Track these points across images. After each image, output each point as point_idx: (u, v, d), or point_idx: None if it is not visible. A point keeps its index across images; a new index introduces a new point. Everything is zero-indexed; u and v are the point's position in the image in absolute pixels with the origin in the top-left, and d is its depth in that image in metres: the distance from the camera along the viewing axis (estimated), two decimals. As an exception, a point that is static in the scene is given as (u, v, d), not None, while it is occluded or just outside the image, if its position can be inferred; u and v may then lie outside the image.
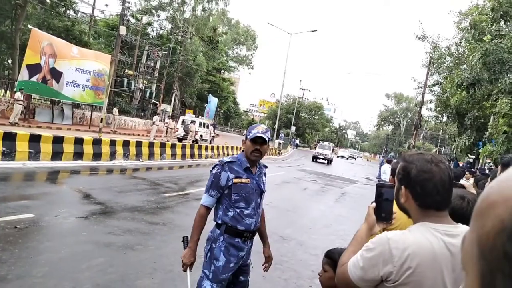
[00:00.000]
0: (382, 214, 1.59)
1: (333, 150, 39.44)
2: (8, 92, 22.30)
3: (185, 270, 2.77)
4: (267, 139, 2.79)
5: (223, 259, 2.77)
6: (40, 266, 4.01)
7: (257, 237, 3.11)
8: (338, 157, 48.78)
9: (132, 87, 31.76)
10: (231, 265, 2.80)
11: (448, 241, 1.37)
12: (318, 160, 34.14)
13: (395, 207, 1.61)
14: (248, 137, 2.81)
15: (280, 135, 42.90)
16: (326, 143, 40.09)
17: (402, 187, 1.48)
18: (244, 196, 2.80)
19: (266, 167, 3.07)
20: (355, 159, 62.72)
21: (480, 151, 17.29)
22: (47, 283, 3.66)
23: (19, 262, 3.96)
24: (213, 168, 2.83)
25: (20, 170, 8.72)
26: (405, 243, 1.36)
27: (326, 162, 33.98)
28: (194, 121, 27.27)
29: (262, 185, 2.93)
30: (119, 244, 5.12)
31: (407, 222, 1.63)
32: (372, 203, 1.66)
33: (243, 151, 2.89)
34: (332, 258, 1.98)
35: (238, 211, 2.78)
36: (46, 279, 3.73)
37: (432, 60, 26.95)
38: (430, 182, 1.41)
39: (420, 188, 1.42)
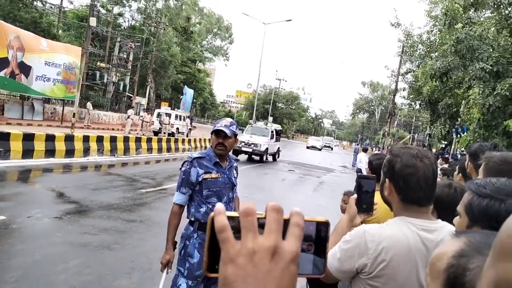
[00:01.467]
0: (363, 205, 1.61)
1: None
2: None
3: (162, 270, 2.75)
4: (229, 132, 2.77)
5: (197, 255, 2.78)
6: (13, 270, 3.89)
7: None
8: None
9: (105, 80, 31.02)
10: None
11: (425, 236, 1.39)
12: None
13: (375, 199, 1.64)
14: (212, 130, 2.84)
15: (248, 126, 42.79)
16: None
17: (387, 180, 1.50)
18: (216, 191, 2.81)
19: (237, 160, 3.11)
20: (331, 148, 57.57)
21: (456, 139, 17.73)
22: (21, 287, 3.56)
23: (-10, 267, 3.84)
24: (182, 165, 2.84)
25: (-11, 170, 8.42)
26: (380, 236, 1.38)
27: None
28: (170, 114, 26.90)
29: (233, 179, 2.96)
30: (95, 244, 5.03)
31: (385, 214, 1.66)
32: (346, 195, 1.67)
33: (211, 145, 2.88)
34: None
35: (211, 206, 2.79)
36: (20, 284, 3.63)
37: (405, 48, 27.39)
38: (414, 177, 1.42)
39: (403, 182, 1.44)
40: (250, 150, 18.55)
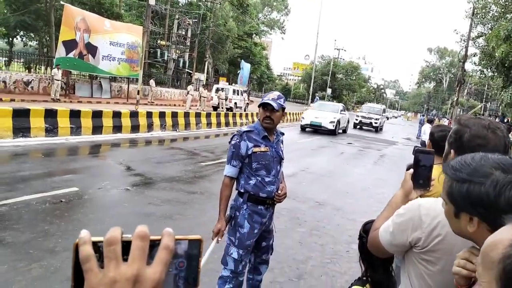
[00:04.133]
0: (420, 180, 1.55)
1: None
2: (48, 69, 23.06)
3: (212, 238, 2.85)
4: (275, 106, 2.75)
5: (247, 226, 2.85)
6: (86, 237, 4.21)
7: (284, 204, 3.16)
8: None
9: (166, 58, 31.92)
10: (255, 231, 2.89)
11: None
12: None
13: (433, 173, 1.56)
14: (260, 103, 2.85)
15: (316, 98, 42.09)
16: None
17: (452, 151, 1.44)
18: (265, 164, 2.84)
19: (283, 134, 3.09)
20: (376, 127, 42.02)
21: None
22: (92, 254, 3.84)
23: (65, 234, 4.19)
24: (231, 139, 2.89)
25: (63, 145, 9.10)
26: (436, 211, 1.32)
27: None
28: (227, 89, 27.21)
29: (280, 152, 2.97)
30: (158, 214, 5.30)
31: None
32: (409, 169, 1.60)
33: (259, 119, 2.87)
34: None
35: (260, 179, 2.84)
36: (91, 250, 3.92)
37: (475, 10, 25.21)
38: (483, 149, 1.32)
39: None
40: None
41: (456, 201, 1.08)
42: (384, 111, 31.82)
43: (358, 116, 28.27)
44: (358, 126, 27.51)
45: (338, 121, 20.25)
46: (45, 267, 3.50)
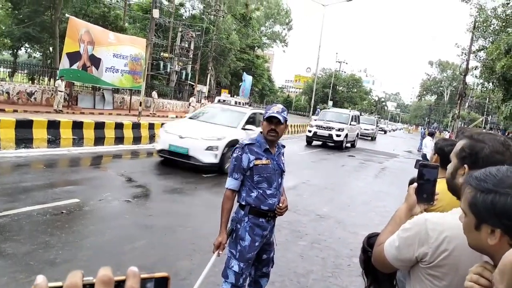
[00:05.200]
0: (424, 194, 1.56)
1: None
2: (52, 81, 23.22)
3: (214, 251, 2.84)
4: (281, 118, 2.79)
5: (248, 238, 2.86)
6: (86, 249, 4.21)
7: (285, 217, 3.14)
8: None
9: (168, 70, 32.18)
10: (256, 244, 2.89)
11: None
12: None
13: (437, 188, 1.56)
14: (264, 117, 2.86)
15: (317, 111, 42.20)
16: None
17: (465, 166, 1.43)
18: (266, 177, 2.85)
19: (284, 146, 3.12)
20: (385, 132, 47.79)
21: None
22: (92, 266, 3.83)
23: (66, 246, 4.18)
24: (233, 152, 2.90)
25: (65, 156, 9.12)
26: (443, 225, 1.33)
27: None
28: (228, 101, 27.32)
29: (282, 165, 2.99)
30: (159, 226, 5.29)
31: (451, 203, 1.59)
32: (412, 183, 1.61)
33: (261, 132, 2.89)
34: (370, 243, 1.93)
35: (261, 191, 2.85)
36: (91, 262, 3.91)
37: (477, 23, 25.40)
38: (501, 165, 1.35)
39: None
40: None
41: (479, 212, 1.07)
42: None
43: (312, 126, 19.33)
44: (313, 139, 19.35)
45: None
46: (45, 279, 3.48)
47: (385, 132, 53.24)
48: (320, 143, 19.33)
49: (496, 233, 1.05)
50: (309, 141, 19.05)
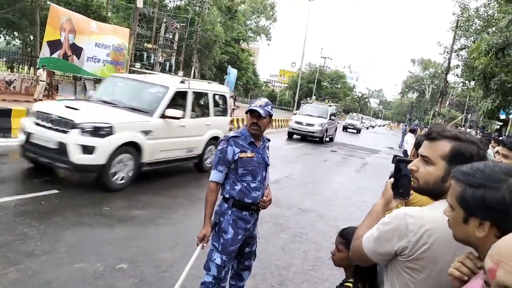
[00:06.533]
0: (400, 189, 1.59)
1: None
2: (32, 69, 22.66)
3: (197, 244, 2.84)
4: (262, 112, 2.79)
5: (231, 231, 2.86)
6: (65, 240, 4.15)
7: (268, 210, 3.18)
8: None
9: (152, 61, 31.74)
10: (239, 237, 2.90)
11: None
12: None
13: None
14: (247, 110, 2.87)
15: (301, 106, 42.32)
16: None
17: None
18: (251, 170, 2.86)
19: (269, 140, 3.13)
20: (373, 127, 57.22)
21: (509, 119, 16.69)
22: (72, 258, 3.79)
23: (44, 237, 4.11)
24: (218, 144, 2.90)
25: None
26: (423, 219, 1.35)
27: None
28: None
29: (266, 158, 3.00)
30: (141, 218, 5.24)
31: (428, 199, 1.60)
32: (390, 178, 1.63)
33: (246, 125, 2.89)
34: (347, 238, 1.95)
35: (245, 184, 2.85)
36: (70, 254, 3.86)
37: (459, 23, 25.83)
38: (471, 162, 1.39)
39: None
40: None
41: (469, 205, 1.11)
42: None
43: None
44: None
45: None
46: (23, 270, 3.43)
47: (368, 128, 54.71)
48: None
49: (485, 226, 1.09)
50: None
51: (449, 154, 1.42)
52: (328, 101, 29.43)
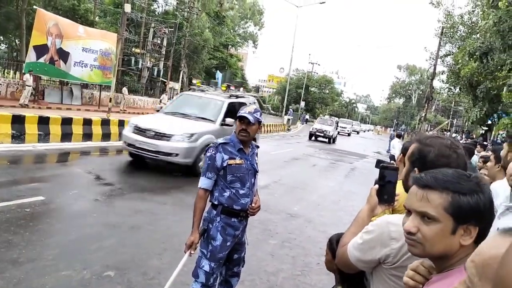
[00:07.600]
0: (385, 196, 1.59)
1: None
2: (18, 74, 22.35)
3: (185, 251, 2.82)
4: (252, 119, 2.79)
5: (220, 238, 2.85)
6: (51, 248, 4.08)
7: (256, 216, 3.17)
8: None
9: (140, 66, 31.56)
10: (228, 244, 2.89)
11: None
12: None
13: (398, 189, 1.60)
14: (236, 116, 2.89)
15: (289, 111, 42.42)
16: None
17: (416, 169, 1.46)
18: (239, 177, 2.86)
19: (258, 147, 3.14)
20: (358, 133, 55.04)
21: (494, 124, 16.98)
22: (58, 265, 3.73)
23: (30, 245, 4.04)
24: (207, 151, 2.89)
25: (30, 152, 8.80)
26: None
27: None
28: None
29: (255, 165, 3.00)
30: (129, 224, 5.19)
31: None
32: (374, 184, 1.64)
33: (235, 132, 2.89)
34: (332, 242, 1.96)
35: (234, 191, 2.85)
36: (57, 261, 3.80)
37: (444, 29, 26.27)
38: (446, 168, 1.38)
39: None
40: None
41: (462, 214, 1.06)
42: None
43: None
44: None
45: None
46: (7, 279, 3.36)
47: (358, 132, 56.48)
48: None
49: (473, 233, 1.06)
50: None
51: (409, 155, 1.54)
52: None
